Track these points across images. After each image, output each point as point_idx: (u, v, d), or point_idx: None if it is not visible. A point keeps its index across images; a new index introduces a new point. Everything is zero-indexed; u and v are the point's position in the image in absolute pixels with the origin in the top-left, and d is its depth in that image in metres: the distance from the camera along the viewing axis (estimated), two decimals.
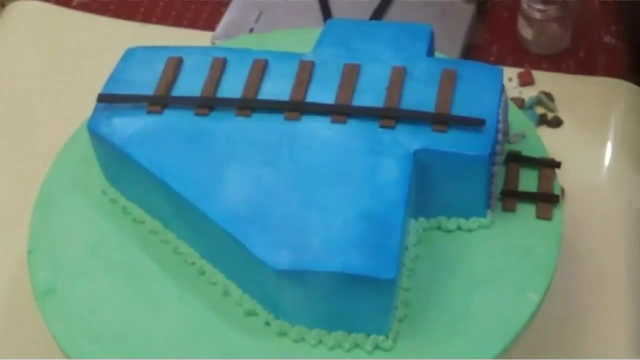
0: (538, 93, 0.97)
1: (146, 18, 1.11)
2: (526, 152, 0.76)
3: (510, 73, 0.99)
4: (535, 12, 1.00)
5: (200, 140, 0.71)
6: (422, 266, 0.70)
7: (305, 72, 0.74)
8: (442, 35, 0.92)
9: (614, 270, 0.84)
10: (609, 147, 0.93)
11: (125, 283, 0.71)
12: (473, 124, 0.69)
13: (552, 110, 0.96)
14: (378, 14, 1.05)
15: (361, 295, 0.64)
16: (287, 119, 0.71)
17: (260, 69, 0.74)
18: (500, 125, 0.71)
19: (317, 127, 0.71)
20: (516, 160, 0.75)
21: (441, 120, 0.69)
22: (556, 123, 0.95)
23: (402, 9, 1.05)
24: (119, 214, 0.75)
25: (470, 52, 1.02)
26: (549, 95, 0.97)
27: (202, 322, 0.68)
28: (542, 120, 0.95)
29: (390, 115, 0.70)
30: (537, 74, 1.00)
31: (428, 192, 0.70)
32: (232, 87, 0.74)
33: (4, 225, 0.89)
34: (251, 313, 0.68)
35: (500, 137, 0.71)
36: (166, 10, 1.11)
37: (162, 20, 1.10)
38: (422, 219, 0.72)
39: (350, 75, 0.73)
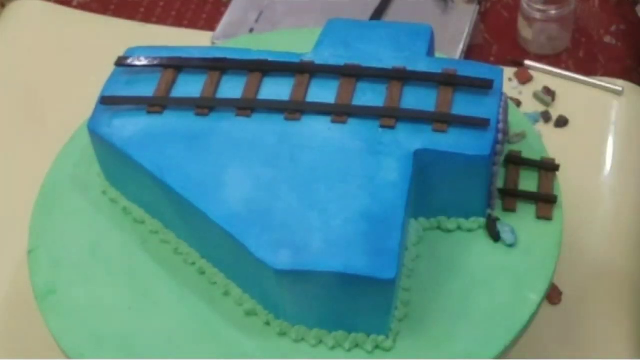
0: (539, 90, 0.97)
1: (146, 18, 1.11)
2: (526, 152, 0.76)
3: (510, 73, 0.99)
4: (535, 12, 1.00)
5: (201, 141, 0.71)
6: (422, 266, 0.70)
7: (305, 72, 0.74)
8: (442, 35, 0.92)
9: (614, 270, 0.84)
10: (609, 146, 0.94)
11: (125, 283, 0.71)
12: (476, 124, 0.69)
13: (548, 105, 0.96)
14: (378, 14, 1.05)
15: (361, 296, 0.64)
16: (287, 119, 0.71)
17: (260, 71, 0.74)
18: (501, 125, 0.71)
19: (317, 127, 0.71)
20: (516, 162, 0.75)
21: (444, 119, 0.69)
22: (563, 122, 0.95)
23: (402, 9, 1.06)
24: (119, 214, 0.75)
25: (470, 52, 1.02)
26: (547, 90, 0.97)
27: (203, 322, 0.68)
28: (546, 118, 0.95)
29: (391, 114, 0.70)
30: (536, 74, 1.00)
31: (428, 192, 0.70)
32: (232, 88, 0.74)
33: (4, 225, 0.89)
34: (251, 313, 0.68)
35: (500, 137, 0.71)
36: (166, 10, 1.11)
37: (162, 20, 1.10)
38: (422, 219, 0.72)
39: (351, 76, 0.73)
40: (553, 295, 0.81)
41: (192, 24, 1.10)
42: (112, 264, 0.72)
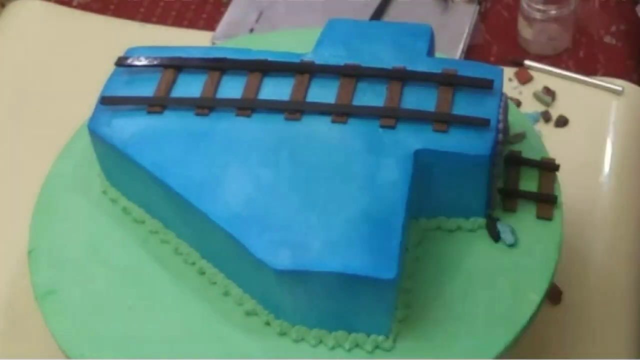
0: (539, 90, 0.97)
1: (146, 18, 1.11)
2: (526, 152, 0.76)
3: (510, 73, 0.99)
4: (535, 12, 1.00)
5: (201, 140, 0.71)
6: (423, 267, 0.70)
7: (305, 72, 0.74)
8: (443, 35, 0.92)
9: (614, 270, 0.84)
10: (608, 146, 0.93)
11: (125, 283, 0.71)
12: (477, 123, 0.69)
13: (548, 105, 0.96)
14: (378, 14, 1.05)
15: (361, 296, 0.64)
16: (287, 119, 0.71)
17: (260, 71, 0.74)
18: (501, 125, 0.71)
19: (318, 127, 0.71)
20: (516, 162, 0.75)
21: (444, 119, 0.69)
22: (563, 122, 0.95)
23: (402, 9, 1.06)
24: (119, 214, 0.75)
25: (470, 52, 1.02)
26: (547, 90, 0.97)
27: (202, 322, 0.68)
28: (546, 118, 0.95)
29: (391, 114, 0.70)
30: (536, 74, 1.00)
31: (428, 192, 0.70)
32: (232, 88, 0.74)
33: (4, 225, 0.89)
34: (251, 313, 0.68)
35: (500, 137, 0.71)
36: (166, 10, 1.11)
37: (162, 20, 1.10)
38: (422, 219, 0.72)
39: (351, 76, 0.73)
40: (553, 295, 0.81)
41: (192, 24, 1.10)
42: (112, 264, 0.72)
